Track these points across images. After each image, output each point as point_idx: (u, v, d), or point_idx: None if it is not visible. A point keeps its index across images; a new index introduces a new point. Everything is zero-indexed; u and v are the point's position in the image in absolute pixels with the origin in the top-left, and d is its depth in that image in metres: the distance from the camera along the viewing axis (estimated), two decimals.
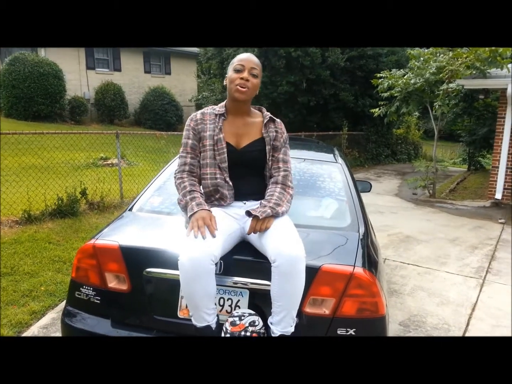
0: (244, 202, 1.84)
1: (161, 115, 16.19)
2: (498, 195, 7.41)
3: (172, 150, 7.15)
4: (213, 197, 1.83)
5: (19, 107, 13.29)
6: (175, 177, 1.87)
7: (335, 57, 11.48)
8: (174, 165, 2.51)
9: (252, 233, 1.69)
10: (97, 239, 1.83)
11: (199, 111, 1.91)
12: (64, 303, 3.08)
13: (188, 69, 19.11)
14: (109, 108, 15.46)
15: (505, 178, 7.42)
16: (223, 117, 1.85)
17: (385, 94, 8.51)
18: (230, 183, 1.81)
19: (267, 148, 1.84)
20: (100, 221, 5.01)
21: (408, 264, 4.33)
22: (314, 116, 12.73)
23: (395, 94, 8.34)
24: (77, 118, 14.78)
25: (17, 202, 4.82)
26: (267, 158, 1.85)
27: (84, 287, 1.80)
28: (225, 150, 1.79)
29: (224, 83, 1.86)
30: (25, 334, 2.70)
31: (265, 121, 1.87)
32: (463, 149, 14.52)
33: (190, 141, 1.85)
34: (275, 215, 1.72)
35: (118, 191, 5.81)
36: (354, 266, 1.67)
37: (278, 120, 1.93)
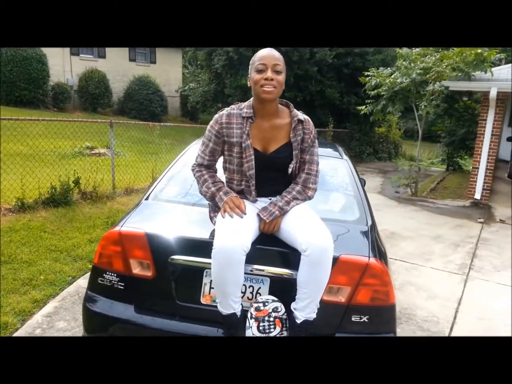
0: (270, 198, 1.88)
1: (146, 105, 16.03)
2: (477, 195, 7.71)
3: (164, 141, 7.12)
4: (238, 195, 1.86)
5: (1, 91, 12.93)
6: (193, 170, 1.91)
7: (323, 53, 11.63)
8: (185, 156, 2.56)
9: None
10: (122, 226, 1.88)
11: (225, 112, 1.83)
12: (64, 291, 3.14)
13: (173, 59, 18.94)
14: (92, 95, 15.22)
15: (485, 179, 7.72)
16: (250, 120, 1.79)
17: (372, 92, 8.68)
18: (254, 193, 1.84)
19: (294, 153, 1.82)
20: (93, 211, 4.99)
21: (396, 259, 4.48)
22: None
23: (382, 93, 8.52)
24: (60, 105, 14.50)
25: (10, 190, 4.75)
26: (295, 161, 1.83)
27: (108, 273, 1.84)
28: (252, 157, 1.77)
29: (248, 84, 1.80)
30: (29, 322, 2.71)
31: (293, 125, 1.82)
32: (442, 149, 14.93)
33: (210, 144, 1.84)
34: (284, 214, 1.79)
35: (109, 181, 5.77)
36: (369, 257, 1.78)
37: (306, 118, 1.86)
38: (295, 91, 12.04)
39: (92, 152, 8.41)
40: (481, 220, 6.47)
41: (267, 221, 1.75)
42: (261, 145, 1.81)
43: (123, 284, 1.83)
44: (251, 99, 1.83)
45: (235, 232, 1.62)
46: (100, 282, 1.87)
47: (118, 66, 17.02)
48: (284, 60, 1.78)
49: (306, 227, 1.68)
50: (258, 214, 1.78)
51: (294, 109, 1.87)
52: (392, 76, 8.27)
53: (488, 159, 7.70)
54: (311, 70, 11.70)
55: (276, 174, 1.87)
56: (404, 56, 8.12)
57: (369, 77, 8.74)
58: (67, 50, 15.39)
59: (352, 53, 12.09)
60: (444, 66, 7.33)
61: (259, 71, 1.71)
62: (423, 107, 7.72)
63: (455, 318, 3.30)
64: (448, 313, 3.37)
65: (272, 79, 1.69)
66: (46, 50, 13.66)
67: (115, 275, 1.83)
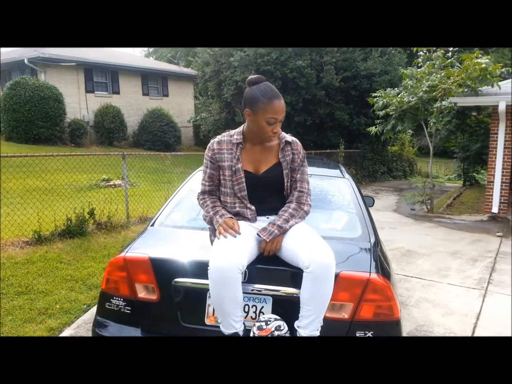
0: (267, 216, 1.94)
1: (159, 136, 16.37)
2: (495, 209, 7.57)
3: (176, 170, 7.28)
4: (236, 217, 1.91)
5: (20, 130, 13.47)
6: (198, 199, 2.02)
7: (329, 77, 11.79)
8: (189, 183, 2.64)
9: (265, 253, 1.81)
10: (127, 252, 1.94)
11: (216, 139, 1.93)
12: (80, 319, 3.19)
13: (185, 90, 19.46)
14: (108, 130, 15.66)
15: (501, 192, 7.59)
16: (241, 146, 1.89)
17: (381, 113, 8.74)
18: (252, 207, 1.90)
19: (284, 172, 1.91)
20: (108, 240, 5.09)
21: (412, 277, 4.42)
22: (311, 135, 12.98)
23: (391, 113, 8.58)
24: (77, 140, 14.94)
25: (27, 223, 4.92)
26: (286, 180, 1.92)
27: (115, 298, 1.90)
28: (243, 179, 1.86)
29: (247, 119, 1.85)
30: None
31: (281, 146, 1.92)
32: (457, 165, 14.76)
33: (208, 171, 1.94)
34: (284, 233, 1.83)
35: (124, 211, 5.90)
36: (370, 272, 1.79)
37: (294, 140, 1.96)
38: (305, 115, 12.19)
39: (108, 184, 8.62)
40: (500, 234, 6.34)
41: (268, 240, 1.79)
42: (253, 167, 1.90)
43: (129, 308, 1.87)
44: (242, 126, 1.93)
45: (229, 251, 1.66)
46: (107, 307, 1.92)
47: (132, 101, 17.54)
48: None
49: (307, 245, 1.71)
50: (258, 234, 1.82)
51: (282, 132, 1.96)
52: (399, 96, 8.34)
53: (502, 172, 7.60)
54: (319, 94, 11.85)
55: (270, 193, 1.94)
56: (409, 76, 8.20)
57: (377, 98, 8.83)
58: (82, 88, 16.00)
59: (359, 76, 12.23)
60: (450, 83, 7.37)
61: (270, 124, 1.79)
62: (431, 124, 7.73)
63: (473, 333, 3.22)
64: (466, 328, 3.28)
65: (278, 131, 1.84)
66: (62, 89, 14.20)
67: (121, 299, 1.88)
